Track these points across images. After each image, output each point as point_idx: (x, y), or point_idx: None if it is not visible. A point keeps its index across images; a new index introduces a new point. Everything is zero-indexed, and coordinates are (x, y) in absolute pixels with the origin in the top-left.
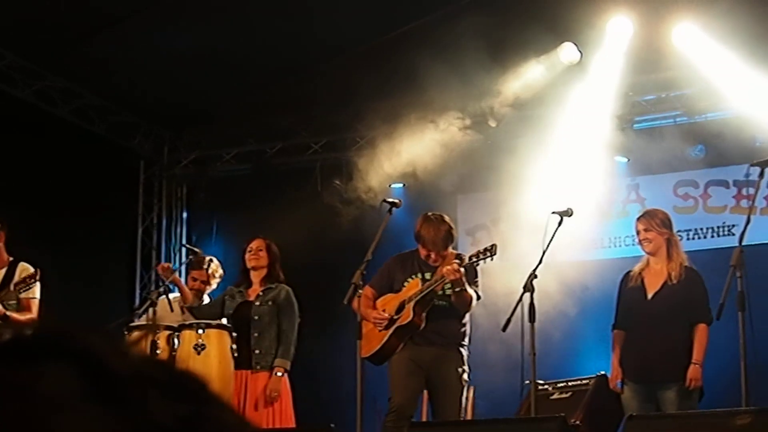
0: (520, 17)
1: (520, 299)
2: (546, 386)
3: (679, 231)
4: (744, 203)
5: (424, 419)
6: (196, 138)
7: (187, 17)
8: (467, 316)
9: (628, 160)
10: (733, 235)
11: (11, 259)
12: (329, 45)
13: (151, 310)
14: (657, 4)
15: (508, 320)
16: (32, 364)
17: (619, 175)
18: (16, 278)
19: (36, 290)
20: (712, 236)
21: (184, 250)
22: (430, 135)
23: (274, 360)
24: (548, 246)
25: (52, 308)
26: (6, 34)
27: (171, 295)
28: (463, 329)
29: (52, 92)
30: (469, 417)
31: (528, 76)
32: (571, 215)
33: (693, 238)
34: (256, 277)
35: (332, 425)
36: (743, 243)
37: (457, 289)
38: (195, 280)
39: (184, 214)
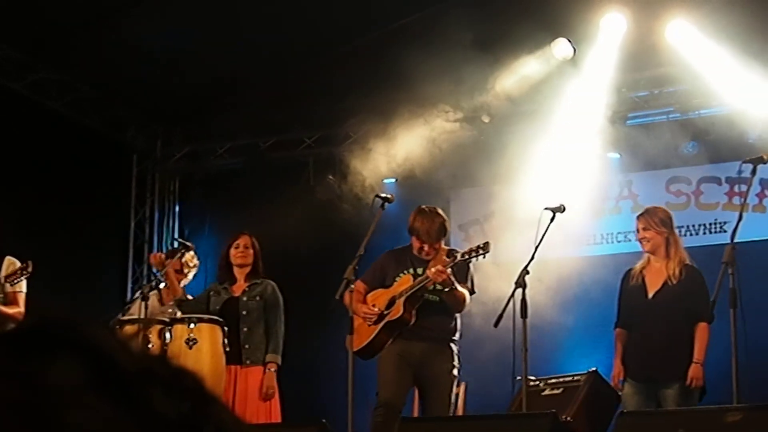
0: (514, 12)
1: (512, 295)
2: (537, 382)
3: None
4: (736, 200)
5: (415, 415)
6: (189, 132)
7: (181, 12)
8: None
9: (621, 156)
10: (725, 232)
11: None
12: (323, 40)
13: (143, 304)
14: (651, 1)
15: (500, 316)
16: (40, 354)
17: (611, 171)
18: (3, 272)
19: (23, 284)
20: (704, 233)
21: (176, 243)
22: (423, 130)
23: (265, 355)
24: (541, 242)
25: (44, 302)
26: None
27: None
28: (453, 324)
29: (45, 85)
30: (460, 413)
31: (521, 71)
32: (563, 211)
33: (685, 235)
34: (240, 273)
35: (323, 420)
36: (735, 240)
37: (447, 289)
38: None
39: (177, 208)
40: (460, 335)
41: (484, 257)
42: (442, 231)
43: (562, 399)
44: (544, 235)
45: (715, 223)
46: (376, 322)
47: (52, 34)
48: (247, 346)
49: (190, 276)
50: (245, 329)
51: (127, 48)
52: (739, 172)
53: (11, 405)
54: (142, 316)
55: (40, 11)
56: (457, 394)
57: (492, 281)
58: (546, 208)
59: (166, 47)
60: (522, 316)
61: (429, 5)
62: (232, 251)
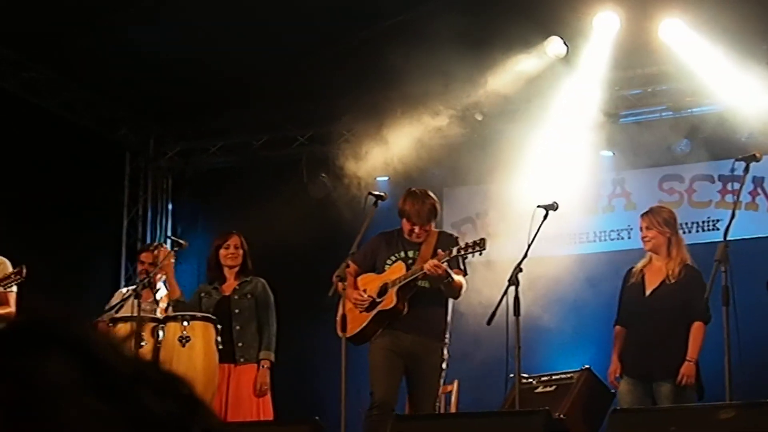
0: (506, 11)
1: (505, 293)
2: (531, 380)
3: None
4: (729, 198)
5: (407, 411)
6: (181, 130)
7: (174, 11)
8: (450, 306)
9: (614, 154)
10: (718, 229)
11: None
12: (316, 38)
13: (136, 302)
14: None
15: (493, 313)
16: (34, 352)
17: (604, 169)
18: None
19: (14, 286)
20: (697, 231)
21: (169, 241)
22: (416, 128)
23: (258, 353)
24: (534, 239)
25: (36, 300)
26: None
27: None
28: (444, 316)
29: (38, 84)
30: (453, 410)
31: (514, 69)
32: (556, 209)
33: None
34: (230, 272)
35: (316, 417)
36: (728, 238)
37: (445, 281)
38: (143, 263)
39: (170, 206)
40: (450, 332)
41: (480, 254)
42: (433, 213)
43: (555, 396)
44: (537, 233)
45: (708, 221)
46: (368, 309)
47: (44, 32)
48: (240, 344)
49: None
50: (238, 327)
51: (120, 47)
52: (732, 170)
53: (5, 402)
54: (135, 314)
55: (33, 10)
56: (450, 392)
57: (485, 279)
58: (539, 206)
59: (159, 46)
60: (515, 314)
61: (422, 3)
62: (222, 252)
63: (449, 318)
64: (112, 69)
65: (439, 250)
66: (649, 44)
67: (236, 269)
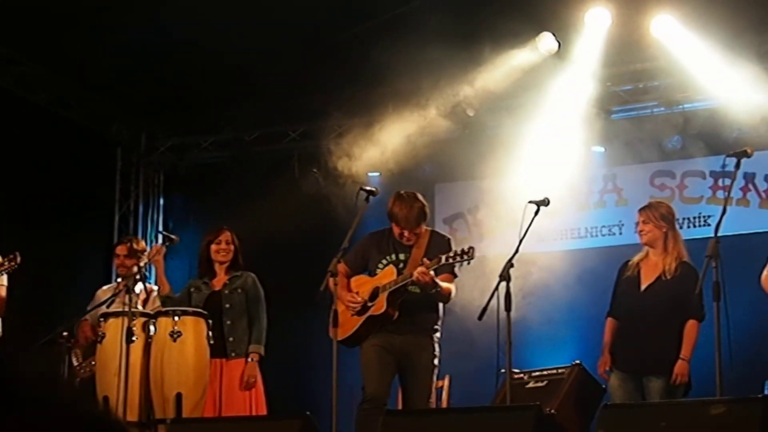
0: (498, 6)
1: (496, 288)
2: (522, 375)
3: None
4: (720, 194)
5: (399, 407)
6: (173, 125)
7: (165, 6)
8: (441, 304)
9: (605, 149)
10: (709, 225)
11: None
12: (308, 34)
13: (127, 297)
14: None
15: (484, 309)
16: None
17: (596, 165)
18: None
19: (4, 277)
20: (689, 227)
21: (160, 236)
22: (408, 124)
23: (248, 346)
24: (525, 235)
25: (30, 295)
26: None
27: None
28: (435, 315)
29: (29, 79)
30: (444, 405)
31: (506, 65)
32: (547, 205)
33: None
34: (220, 267)
35: (308, 413)
36: (719, 233)
37: (431, 291)
38: (118, 256)
39: (161, 201)
40: (442, 327)
41: (468, 263)
42: (422, 216)
43: (546, 391)
44: (528, 229)
45: (700, 217)
46: (359, 313)
47: (36, 28)
48: (231, 339)
49: (141, 263)
50: (229, 322)
51: (112, 41)
52: (723, 165)
53: None
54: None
55: (24, 5)
56: (441, 387)
57: (476, 274)
58: (530, 202)
59: (151, 41)
60: (506, 310)
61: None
62: (214, 247)
63: (441, 314)
64: (104, 64)
65: (425, 259)
66: (641, 40)
67: (227, 264)
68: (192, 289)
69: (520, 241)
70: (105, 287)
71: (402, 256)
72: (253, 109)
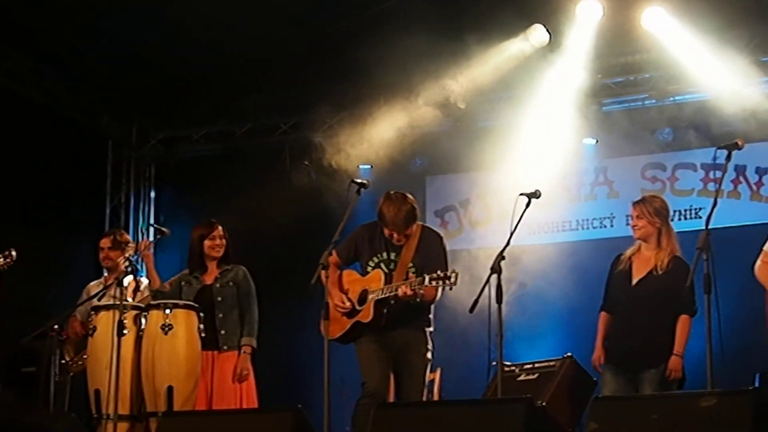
0: None
1: (488, 280)
2: (513, 368)
3: None
4: (711, 186)
5: (391, 399)
6: (164, 118)
7: (156, 1)
8: None
9: (597, 142)
10: (700, 218)
11: None
12: (299, 28)
13: (118, 290)
14: None
15: (475, 302)
16: None
17: (587, 157)
18: None
19: None
20: (680, 219)
21: (152, 229)
22: (399, 117)
23: (240, 339)
24: (516, 227)
25: (21, 288)
26: None
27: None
28: (427, 310)
29: (20, 73)
30: (436, 398)
31: (497, 58)
32: (539, 197)
33: None
34: (212, 261)
35: (299, 406)
36: (710, 226)
37: (417, 300)
38: (102, 249)
39: (152, 194)
40: (434, 317)
41: (450, 289)
42: (410, 219)
43: (537, 384)
44: (519, 221)
45: (691, 209)
46: (348, 316)
47: (26, 22)
48: (223, 332)
49: (127, 255)
50: (220, 315)
51: (102, 35)
52: (714, 158)
53: None
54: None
55: (17, 0)
56: (432, 380)
57: (467, 267)
58: (521, 194)
59: (142, 35)
60: (497, 302)
61: None
62: (208, 243)
63: (432, 307)
64: (94, 58)
65: (411, 274)
66: (632, 32)
67: (218, 258)
68: (183, 283)
69: (512, 234)
70: (93, 282)
71: (393, 255)
72: (243, 102)
